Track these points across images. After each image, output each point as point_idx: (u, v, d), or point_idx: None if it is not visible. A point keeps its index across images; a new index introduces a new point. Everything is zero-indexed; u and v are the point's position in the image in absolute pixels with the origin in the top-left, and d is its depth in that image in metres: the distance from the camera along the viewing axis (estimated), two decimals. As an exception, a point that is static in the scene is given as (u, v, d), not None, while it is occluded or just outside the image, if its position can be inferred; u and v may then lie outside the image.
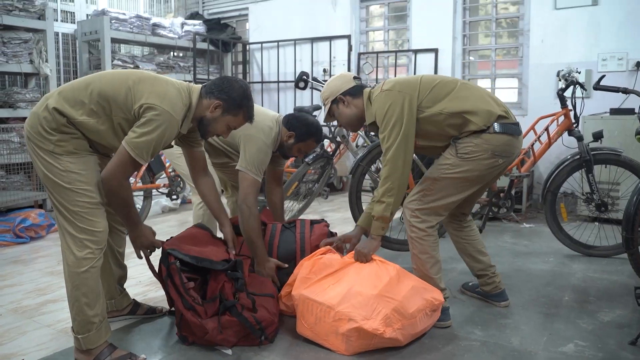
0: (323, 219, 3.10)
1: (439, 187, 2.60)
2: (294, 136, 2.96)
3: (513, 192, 3.98)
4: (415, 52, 6.26)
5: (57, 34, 5.96)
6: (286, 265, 2.88)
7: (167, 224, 5.02)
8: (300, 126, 2.96)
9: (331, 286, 2.42)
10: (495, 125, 2.53)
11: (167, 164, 5.15)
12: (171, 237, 2.55)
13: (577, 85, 3.81)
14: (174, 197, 5.11)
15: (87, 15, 6.45)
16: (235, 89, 2.34)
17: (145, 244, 2.44)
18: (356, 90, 2.70)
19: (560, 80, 3.97)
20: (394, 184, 2.46)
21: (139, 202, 4.77)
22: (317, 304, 2.37)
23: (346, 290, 2.35)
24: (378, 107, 2.54)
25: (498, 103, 2.62)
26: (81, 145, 2.22)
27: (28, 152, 2.28)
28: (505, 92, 6.04)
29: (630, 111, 4.60)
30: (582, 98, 3.83)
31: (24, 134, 2.26)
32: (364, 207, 3.66)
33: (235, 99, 2.34)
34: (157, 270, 2.53)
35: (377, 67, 6.39)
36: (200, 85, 2.38)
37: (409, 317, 2.33)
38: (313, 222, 3.03)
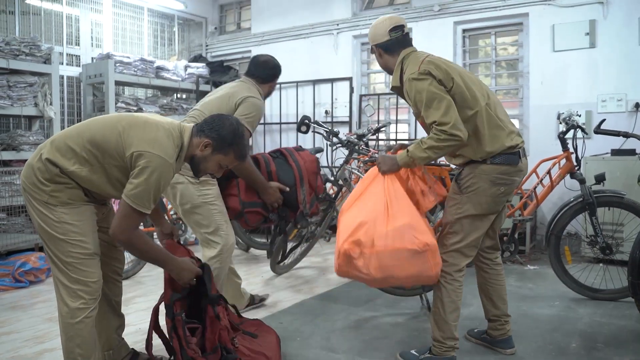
0: (300, 147, 3.51)
1: (456, 229, 2.64)
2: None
3: (516, 235, 3.94)
4: (416, 93, 6.31)
5: (62, 76, 6.03)
6: (287, 189, 3.20)
7: (168, 266, 4.98)
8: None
9: (354, 208, 2.66)
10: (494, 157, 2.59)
11: (169, 207, 5.14)
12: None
13: (577, 129, 3.82)
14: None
15: (92, 58, 6.54)
16: (226, 127, 2.31)
17: (187, 278, 2.39)
18: (390, 46, 2.69)
19: (560, 123, 3.98)
20: (445, 149, 2.51)
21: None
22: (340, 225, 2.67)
23: (354, 215, 2.61)
24: (416, 91, 2.54)
25: (510, 132, 2.62)
26: (76, 195, 2.22)
27: (25, 203, 2.28)
28: (506, 132, 6.06)
29: (632, 152, 4.61)
30: (583, 139, 3.84)
31: (20, 185, 2.26)
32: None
33: (226, 137, 2.30)
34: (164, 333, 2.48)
35: (378, 108, 6.44)
36: (192, 125, 2.37)
37: (375, 246, 2.48)
38: (297, 149, 3.37)
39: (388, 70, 2.78)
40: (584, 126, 3.90)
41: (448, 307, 2.62)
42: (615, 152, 4.72)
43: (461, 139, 2.46)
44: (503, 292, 2.90)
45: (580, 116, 4.02)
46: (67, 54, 6.41)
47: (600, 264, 4.29)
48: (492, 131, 2.58)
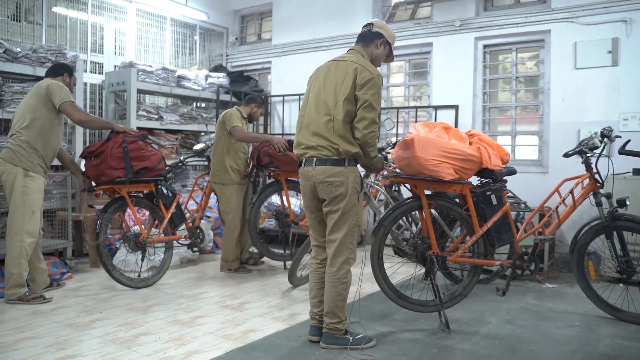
0: None
1: None
2: None
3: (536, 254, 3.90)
4: (436, 108, 6.32)
5: (85, 83, 6.11)
6: None
7: (186, 275, 5.01)
8: None
9: None
10: None
11: (187, 216, 5.18)
12: None
13: (595, 150, 3.75)
14: (195, 249, 5.12)
15: (115, 66, 6.63)
16: None
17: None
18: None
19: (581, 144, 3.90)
20: None
21: (160, 254, 4.78)
22: None
23: None
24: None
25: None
26: None
27: None
28: (526, 149, 6.04)
29: (654, 172, 4.57)
30: (609, 159, 3.79)
31: None
32: (385, 267, 3.63)
33: None
34: None
35: (397, 121, 6.44)
36: None
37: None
38: None
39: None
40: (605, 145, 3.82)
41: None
42: (637, 172, 4.67)
43: None
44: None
45: (609, 138, 3.93)
46: (90, 62, 6.51)
47: (621, 284, 4.24)
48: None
